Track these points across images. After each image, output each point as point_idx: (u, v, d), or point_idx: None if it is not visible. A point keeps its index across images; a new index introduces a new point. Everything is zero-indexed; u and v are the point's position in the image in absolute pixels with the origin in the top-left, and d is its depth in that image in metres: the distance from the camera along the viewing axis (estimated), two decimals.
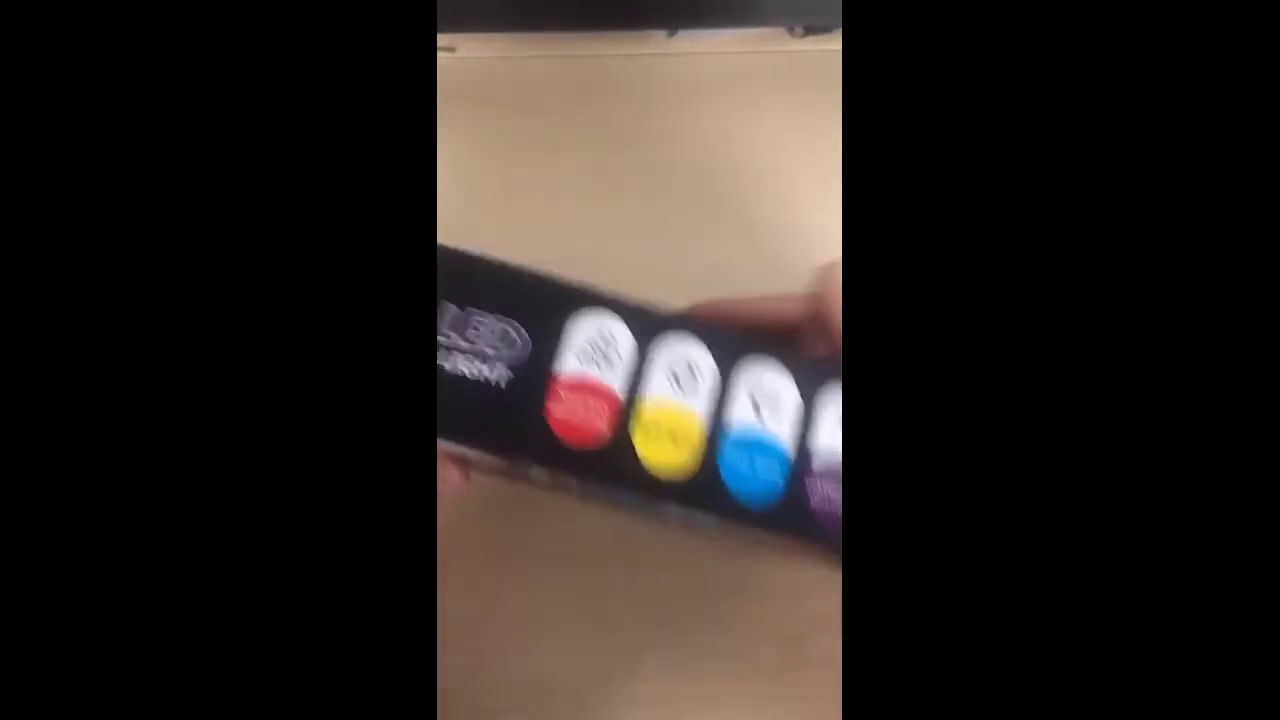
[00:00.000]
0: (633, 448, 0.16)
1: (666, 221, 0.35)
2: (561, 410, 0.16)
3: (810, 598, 0.30)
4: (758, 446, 0.16)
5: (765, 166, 0.36)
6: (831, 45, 0.39)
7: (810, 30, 0.39)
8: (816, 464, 0.16)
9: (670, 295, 0.20)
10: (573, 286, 0.17)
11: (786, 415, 0.16)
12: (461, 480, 0.19)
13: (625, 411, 0.16)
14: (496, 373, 0.16)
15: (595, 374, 0.16)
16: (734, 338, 0.17)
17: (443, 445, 0.17)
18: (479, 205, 0.35)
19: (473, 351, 0.16)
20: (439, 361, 0.16)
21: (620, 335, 0.17)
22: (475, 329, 0.16)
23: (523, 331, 0.16)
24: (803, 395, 0.17)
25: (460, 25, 0.38)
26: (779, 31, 0.39)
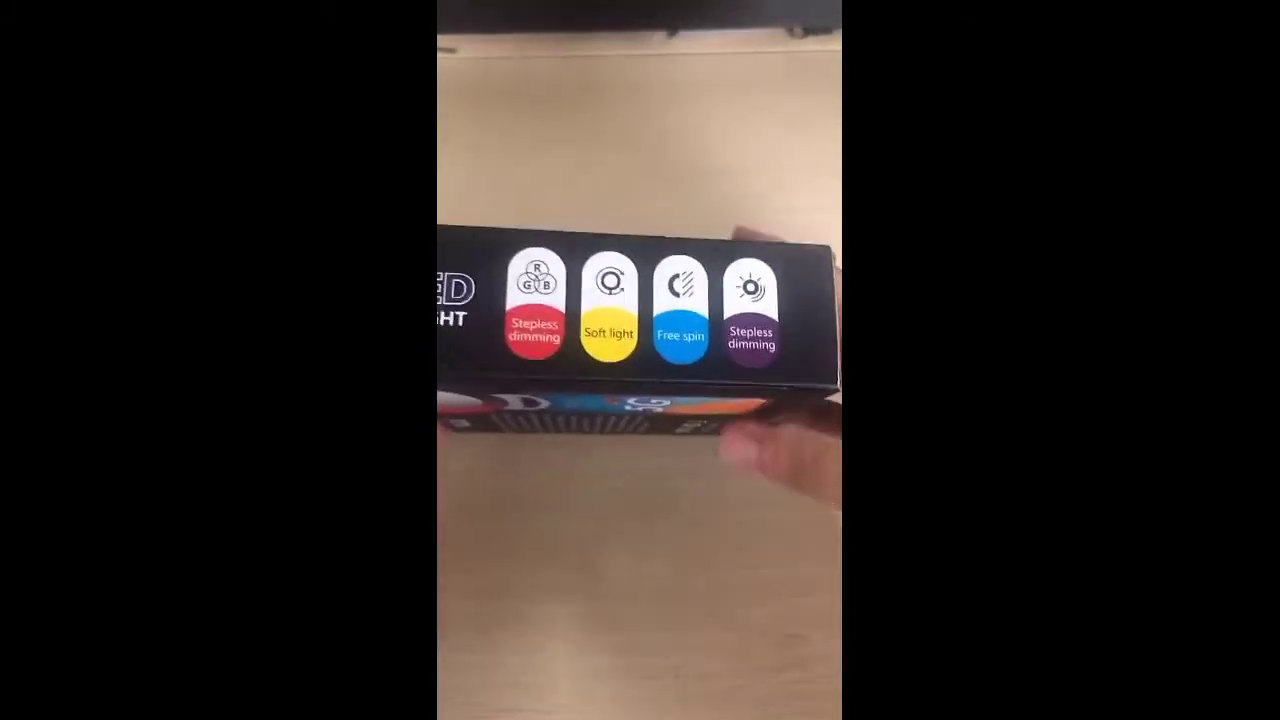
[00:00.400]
0: (583, 349, 0.19)
1: (667, 222, 0.35)
2: (516, 335, 0.19)
3: (810, 597, 0.30)
4: (682, 320, 0.20)
5: (765, 166, 0.36)
6: (831, 46, 0.39)
7: (810, 31, 0.39)
8: (729, 320, 0.20)
9: None
10: (504, 230, 0.20)
11: (700, 289, 0.20)
12: (444, 434, 0.22)
13: (570, 323, 0.19)
14: (453, 317, 0.19)
15: (538, 299, 0.19)
16: (646, 241, 0.21)
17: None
18: (479, 206, 0.35)
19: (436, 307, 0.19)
20: None
21: (552, 261, 0.20)
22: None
23: (469, 279, 0.19)
24: (708, 272, 0.20)
25: (461, 26, 0.38)
26: (779, 32, 0.39)
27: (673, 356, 0.19)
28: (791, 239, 0.22)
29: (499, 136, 0.37)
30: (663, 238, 0.20)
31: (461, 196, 0.34)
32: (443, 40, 0.38)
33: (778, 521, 0.31)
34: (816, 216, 0.34)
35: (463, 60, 0.38)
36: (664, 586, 0.30)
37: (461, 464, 0.31)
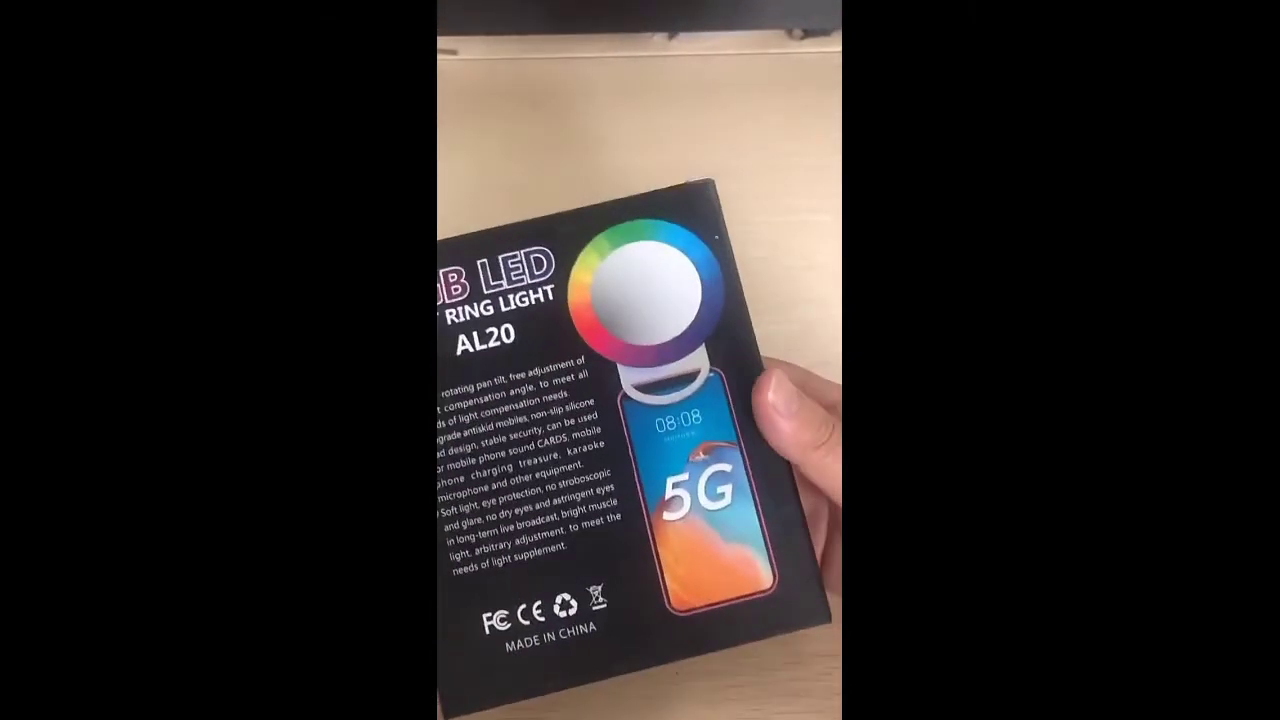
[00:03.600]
0: None
1: None
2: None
3: None
4: None
5: (765, 168, 0.36)
6: (831, 47, 0.39)
7: (810, 33, 0.39)
8: None
9: None
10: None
11: None
12: None
13: None
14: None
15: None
16: None
17: None
18: (480, 207, 0.35)
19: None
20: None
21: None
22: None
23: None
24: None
25: (462, 28, 0.38)
26: (779, 34, 0.39)
27: None
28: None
29: (499, 138, 0.37)
30: None
31: (461, 198, 0.34)
32: (443, 42, 0.38)
33: None
34: (816, 218, 0.34)
35: (463, 62, 0.38)
36: None
37: None
